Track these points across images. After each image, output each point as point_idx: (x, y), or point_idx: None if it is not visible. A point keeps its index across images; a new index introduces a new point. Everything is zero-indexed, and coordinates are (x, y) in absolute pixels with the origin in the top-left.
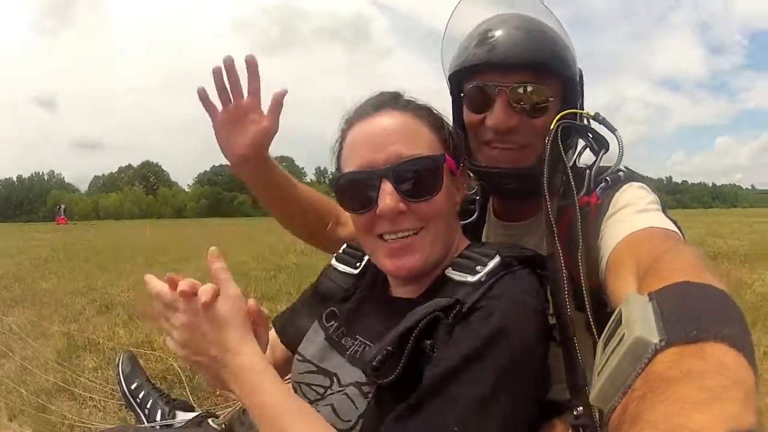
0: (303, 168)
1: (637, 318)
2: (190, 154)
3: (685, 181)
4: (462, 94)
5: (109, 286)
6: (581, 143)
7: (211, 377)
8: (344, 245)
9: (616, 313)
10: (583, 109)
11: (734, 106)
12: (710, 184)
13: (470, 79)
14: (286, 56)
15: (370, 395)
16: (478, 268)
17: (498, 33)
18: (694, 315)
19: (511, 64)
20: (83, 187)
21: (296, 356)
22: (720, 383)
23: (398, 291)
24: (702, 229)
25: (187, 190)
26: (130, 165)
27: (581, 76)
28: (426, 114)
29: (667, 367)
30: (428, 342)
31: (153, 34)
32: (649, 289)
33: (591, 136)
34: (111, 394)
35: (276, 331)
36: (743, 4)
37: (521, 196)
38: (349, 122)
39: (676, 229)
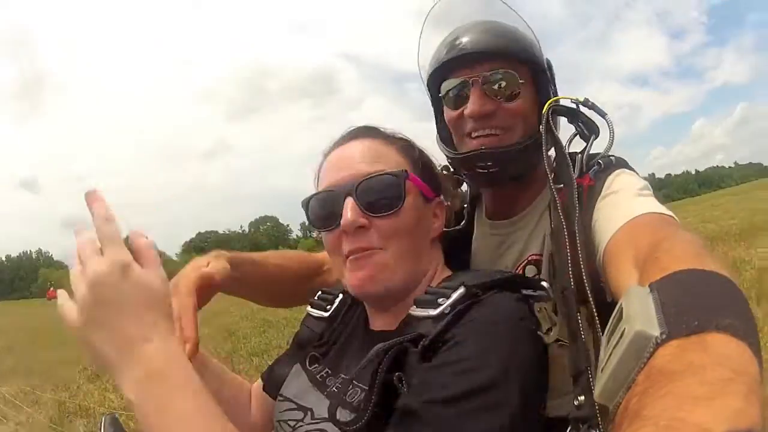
0: (288, 225)
1: (638, 312)
2: (174, 224)
3: (669, 174)
4: (441, 96)
5: None
6: (571, 131)
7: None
8: (318, 291)
9: (617, 308)
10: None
11: (703, 87)
12: (693, 172)
13: (446, 78)
14: (257, 118)
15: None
16: (440, 300)
17: (465, 35)
18: (696, 305)
19: (479, 54)
20: (72, 264)
21: (278, 398)
22: (722, 376)
23: (377, 324)
24: (693, 217)
25: (175, 258)
26: None
27: (550, 67)
28: (395, 139)
29: (668, 360)
30: (397, 374)
31: (121, 111)
32: (649, 280)
33: (581, 121)
34: None
35: (263, 382)
36: None
37: (505, 180)
38: (324, 154)
39: (672, 214)
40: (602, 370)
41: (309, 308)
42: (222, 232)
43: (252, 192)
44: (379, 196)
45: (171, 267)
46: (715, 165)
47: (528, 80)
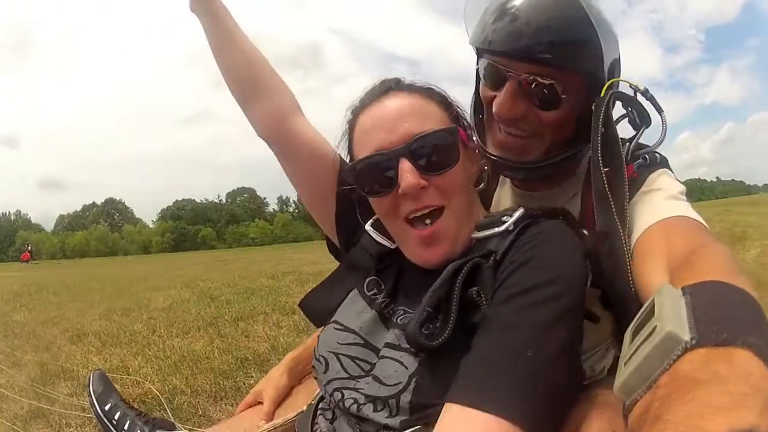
0: (265, 198)
1: (670, 312)
2: (153, 190)
3: None
4: (477, 69)
5: (80, 315)
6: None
7: None
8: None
9: (648, 302)
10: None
11: (693, 102)
12: None
13: (484, 55)
14: None
15: (421, 353)
16: (504, 218)
17: (518, 10)
18: (726, 318)
19: (522, 54)
20: (49, 227)
21: (333, 325)
22: (742, 390)
23: None
24: None
25: (151, 225)
26: (94, 203)
27: (614, 68)
28: (430, 92)
29: (695, 367)
30: (474, 289)
31: (108, 71)
32: (683, 283)
33: (635, 109)
34: (88, 419)
35: (304, 312)
36: (697, 2)
37: (528, 182)
38: (356, 111)
39: (704, 222)
40: (626, 363)
41: (369, 227)
42: (199, 201)
43: (231, 161)
44: (434, 155)
45: (146, 234)
46: (697, 177)
47: (575, 91)
